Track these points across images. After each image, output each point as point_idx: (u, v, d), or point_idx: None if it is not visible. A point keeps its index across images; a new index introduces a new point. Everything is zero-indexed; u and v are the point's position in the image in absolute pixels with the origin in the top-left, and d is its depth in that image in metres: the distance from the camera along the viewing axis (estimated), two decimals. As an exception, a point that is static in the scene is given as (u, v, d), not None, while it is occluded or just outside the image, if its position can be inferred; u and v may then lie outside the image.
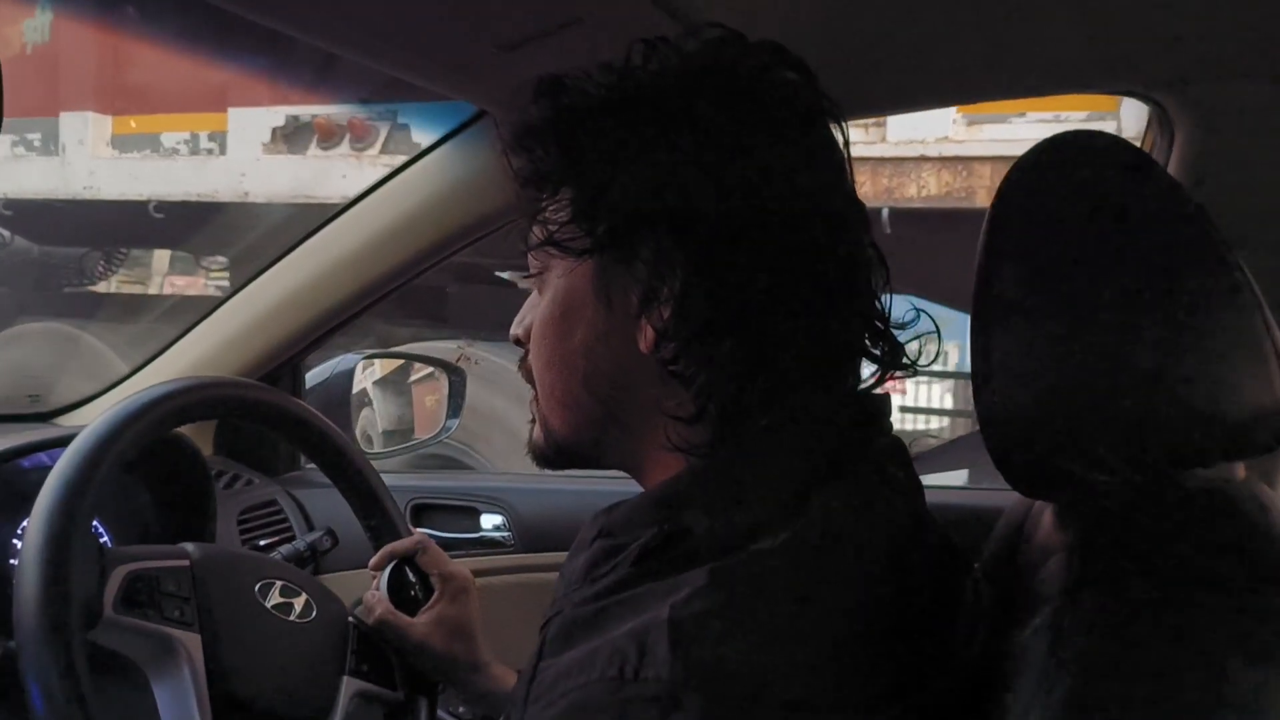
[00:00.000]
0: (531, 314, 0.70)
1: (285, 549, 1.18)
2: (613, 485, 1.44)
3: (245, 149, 4.05)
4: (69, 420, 1.37)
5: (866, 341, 0.66)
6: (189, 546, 0.92)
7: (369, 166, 3.77)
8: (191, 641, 0.86)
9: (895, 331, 0.67)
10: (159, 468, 1.16)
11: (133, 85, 4.25)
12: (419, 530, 1.05)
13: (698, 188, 0.60)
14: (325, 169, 3.88)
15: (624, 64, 0.65)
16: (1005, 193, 0.62)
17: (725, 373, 0.61)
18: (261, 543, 1.35)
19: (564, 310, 0.66)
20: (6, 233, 4.79)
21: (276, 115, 3.99)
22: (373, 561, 1.00)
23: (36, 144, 4.35)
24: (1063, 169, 0.61)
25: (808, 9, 0.85)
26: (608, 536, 0.64)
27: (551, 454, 0.70)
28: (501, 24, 0.84)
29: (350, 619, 0.98)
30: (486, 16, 0.83)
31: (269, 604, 0.92)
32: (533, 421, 0.71)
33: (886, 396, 0.68)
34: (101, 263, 5.15)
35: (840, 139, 0.66)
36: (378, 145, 3.83)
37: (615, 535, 0.63)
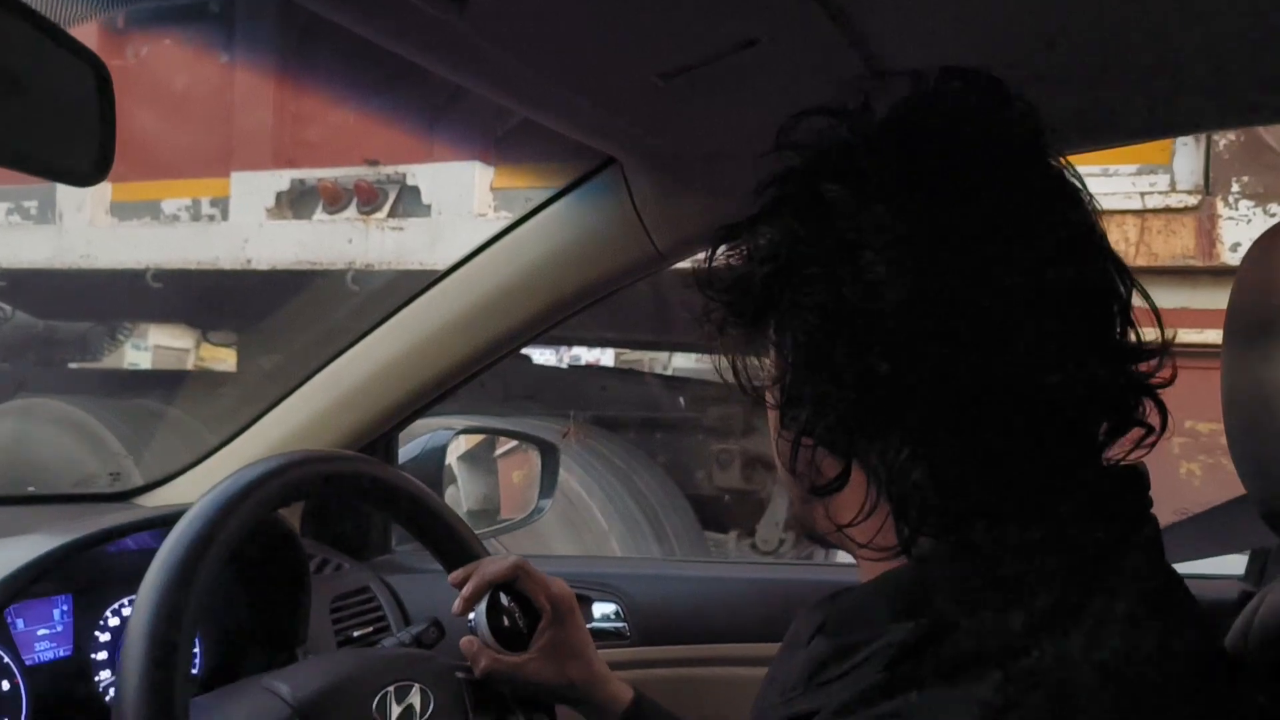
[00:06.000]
0: None
1: (389, 643, 1.06)
2: (744, 573, 1.31)
3: (248, 214, 3.85)
4: (149, 500, 1.27)
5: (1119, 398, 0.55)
6: (283, 688, 0.80)
7: (376, 230, 3.59)
8: None
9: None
10: (253, 553, 1.05)
11: (133, 151, 3.90)
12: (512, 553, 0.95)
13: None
14: (331, 234, 3.65)
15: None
16: None
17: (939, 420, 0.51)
18: (355, 634, 1.24)
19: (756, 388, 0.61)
20: (8, 307, 4.63)
21: (281, 179, 3.80)
22: (466, 590, 0.91)
23: (33, 212, 4.12)
24: None
25: (1006, 45, 0.75)
26: (834, 634, 0.55)
27: (799, 529, 0.62)
28: (671, 47, 0.75)
29: (458, 674, 0.92)
30: (656, 39, 0.74)
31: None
32: None
33: (1143, 470, 0.56)
34: (106, 338, 5.01)
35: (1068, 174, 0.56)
36: (385, 208, 3.62)
37: (843, 632, 0.54)
